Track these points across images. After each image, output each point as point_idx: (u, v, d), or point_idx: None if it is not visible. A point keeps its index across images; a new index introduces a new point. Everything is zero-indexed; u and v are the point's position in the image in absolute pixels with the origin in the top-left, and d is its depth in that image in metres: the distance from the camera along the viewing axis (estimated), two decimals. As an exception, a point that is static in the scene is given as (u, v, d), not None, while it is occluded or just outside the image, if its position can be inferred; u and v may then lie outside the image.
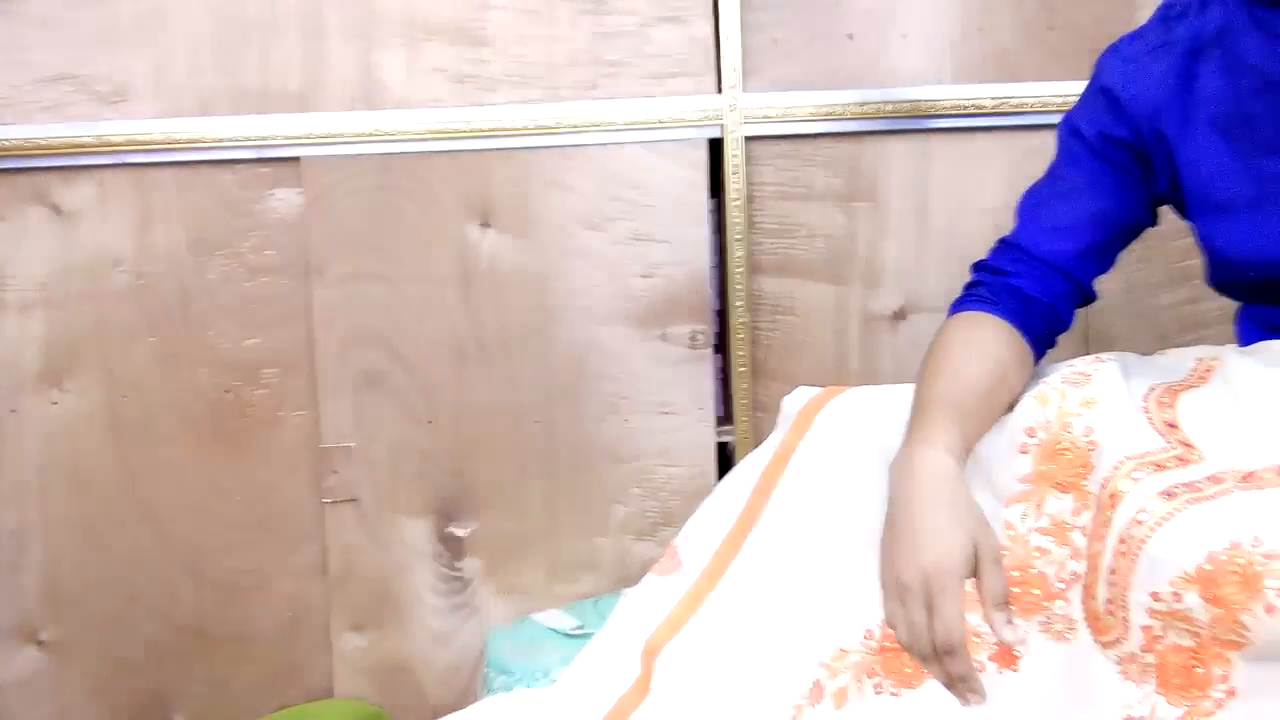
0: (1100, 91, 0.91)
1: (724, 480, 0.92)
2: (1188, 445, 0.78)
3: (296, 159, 1.29)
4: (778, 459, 0.86)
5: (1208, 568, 0.67)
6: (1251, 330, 0.87)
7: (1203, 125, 0.85)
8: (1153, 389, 0.83)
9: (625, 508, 1.33)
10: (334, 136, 1.28)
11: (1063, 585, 0.79)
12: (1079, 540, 0.79)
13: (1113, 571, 0.73)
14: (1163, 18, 0.90)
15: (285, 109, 1.28)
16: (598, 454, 1.32)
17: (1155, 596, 0.70)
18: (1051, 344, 0.91)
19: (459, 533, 1.33)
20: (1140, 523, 0.72)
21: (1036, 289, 0.89)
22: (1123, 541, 0.72)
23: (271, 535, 1.34)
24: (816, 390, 0.89)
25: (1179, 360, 0.89)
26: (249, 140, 1.28)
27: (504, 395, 1.31)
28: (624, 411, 1.32)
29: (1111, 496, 0.75)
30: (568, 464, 1.33)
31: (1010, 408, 0.83)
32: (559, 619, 1.25)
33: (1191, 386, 0.83)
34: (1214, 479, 0.74)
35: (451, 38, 1.28)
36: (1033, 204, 0.93)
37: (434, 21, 1.28)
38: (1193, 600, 0.67)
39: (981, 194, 1.29)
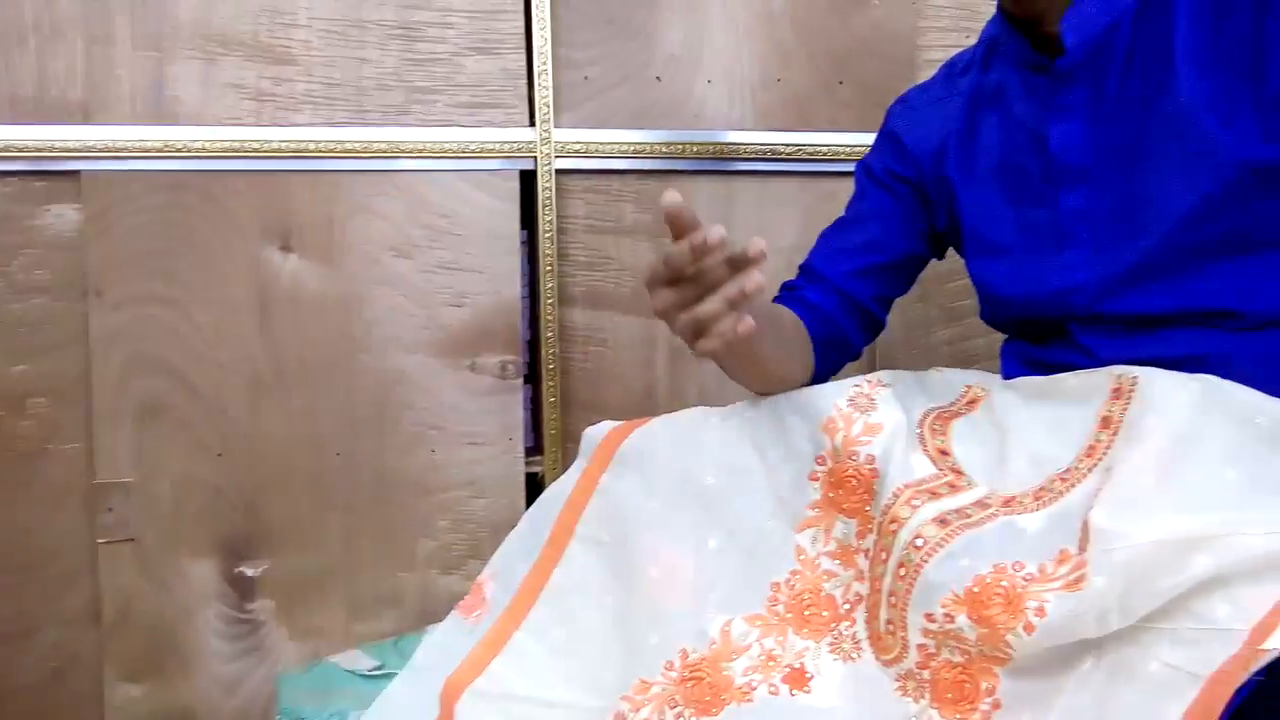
0: (888, 135, 1.00)
1: (527, 513, 0.91)
2: (958, 472, 0.83)
3: (76, 172, 1.20)
4: (580, 491, 0.86)
5: (975, 590, 0.72)
6: (1012, 364, 0.95)
7: (982, 173, 0.93)
8: (927, 414, 0.90)
9: (431, 541, 1.30)
10: (119, 149, 1.20)
11: (849, 606, 0.83)
12: (863, 563, 0.83)
13: (892, 594, 0.77)
14: (947, 74, 0.99)
15: (67, 119, 1.19)
16: (402, 486, 1.29)
17: (930, 617, 0.74)
18: (835, 356, 0.98)
19: (249, 572, 1.26)
20: (918, 548, 0.76)
21: (818, 299, 0.98)
22: (901, 566, 0.77)
23: (38, 579, 1.22)
24: (618, 423, 0.90)
25: (950, 383, 0.96)
26: (21, 150, 1.18)
27: (303, 426, 1.26)
28: (431, 442, 1.29)
29: (892, 522, 0.79)
30: (370, 497, 1.28)
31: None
32: (356, 660, 1.20)
33: (961, 414, 0.90)
34: (981, 504, 0.80)
35: (251, 53, 1.23)
36: (826, 233, 1.03)
37: (233, 36, 1.22)
38: (963, 620, 0.72)
39: (781, 235, 1.35)
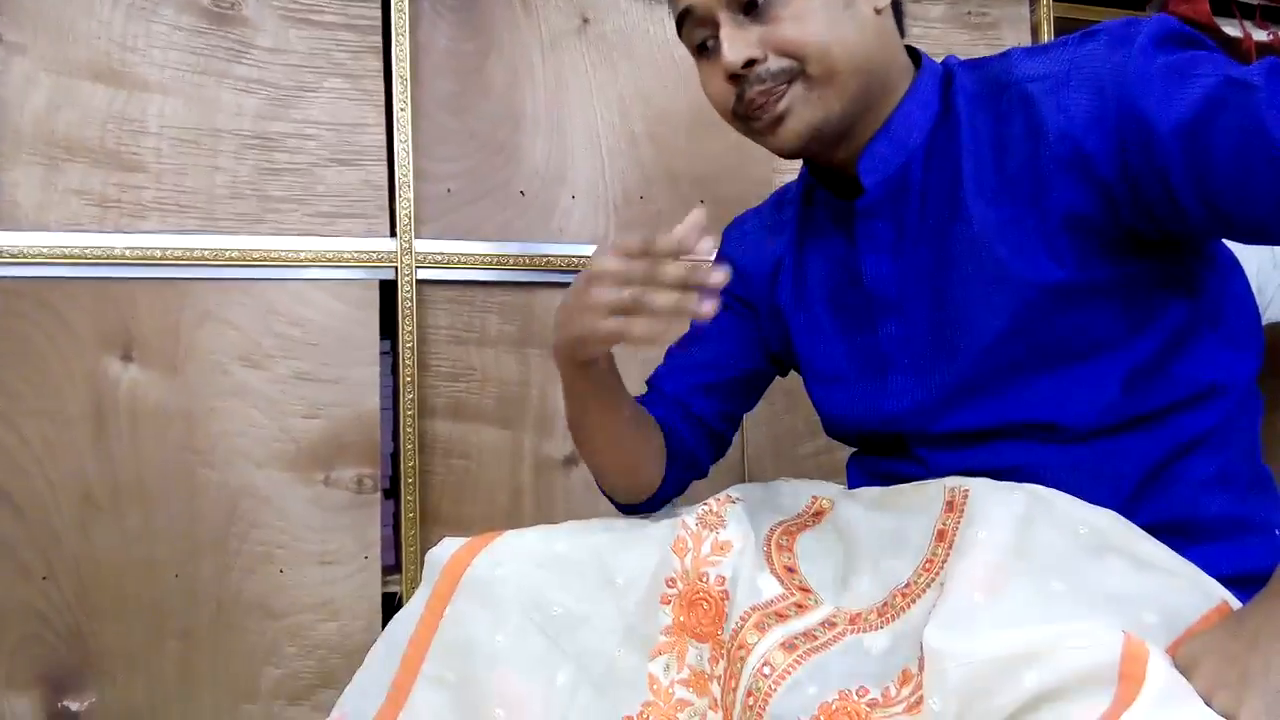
0: (723, 259, 1.01)
1: (374, 647, 0.87)
2: (805, 590, 0.83)
3: (-106, 277, 1.13)
4: (424, 626, 0.82)
5: (822, 718, 0.71)
6: (857, 475, 0.97)
7: (811, 303, 0.96)
8: (774, 529, 0.90)
9: (277, 669, 1.23)
10: (-54, 253, 1.13)
11: (703, 736, 0.81)
12: (716, 690, 0.81)
13: (741, 723, 0.76)
14: (777, 202, 1.03)
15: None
16: (246, 610, 1.22)
17: (778, 746, 0.73)
18: (682, 472, 0.98)
19: (74, 706, 1.16)
20: (765, 676, 0.75)
21: (664, 414, 0.98)
22: (750, 694, 0.76)
23: None
24: (462, 541, 0.86)
25: (797, 493, 0.97)
26: None
27: (138, 547, 1.19)
28: (279, 562, 1.23)
29: (740, 648, 0.78)
30: (211, 622, 1.21)
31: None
32: (188, 803, 1.11)
33: (806, 527, 0.91)
34: (828, 623, 0.80)
35: (97, 160, 1.19)
36: (672, 350, 1.03)
37: (79, 143, 1.18)
38: (809, 749, 0.71)
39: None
